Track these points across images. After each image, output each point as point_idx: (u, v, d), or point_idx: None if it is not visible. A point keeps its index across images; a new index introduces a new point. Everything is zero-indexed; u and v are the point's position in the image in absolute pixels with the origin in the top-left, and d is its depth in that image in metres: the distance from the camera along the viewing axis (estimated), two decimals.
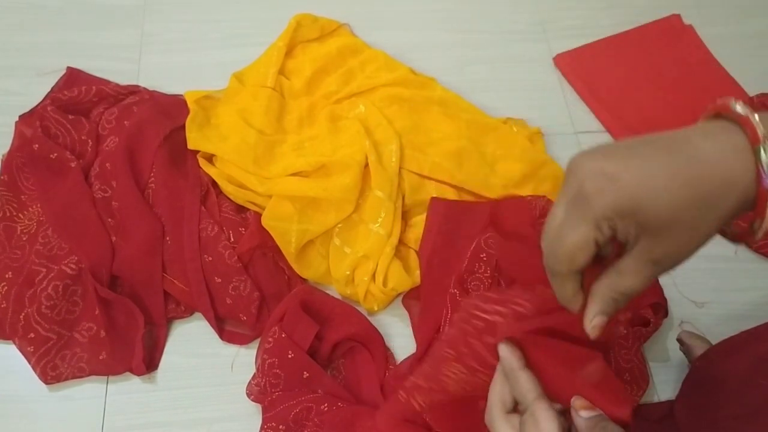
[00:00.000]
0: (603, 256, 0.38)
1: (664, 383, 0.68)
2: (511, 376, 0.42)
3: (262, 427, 0.62)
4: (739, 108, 0.35)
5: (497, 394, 0.43)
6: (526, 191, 0.77)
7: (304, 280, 0.72)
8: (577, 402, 0.41)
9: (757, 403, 0.52)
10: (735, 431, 0.53)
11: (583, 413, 0.40)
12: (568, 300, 0.39)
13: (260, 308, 0.68)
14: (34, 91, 0.80)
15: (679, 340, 0.68)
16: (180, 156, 0.75)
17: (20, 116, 0.78)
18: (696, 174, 0.34)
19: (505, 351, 0.42)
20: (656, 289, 0.70)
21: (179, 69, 0.87)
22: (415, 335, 0.69)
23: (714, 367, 0.58)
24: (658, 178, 0.34)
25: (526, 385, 0.41)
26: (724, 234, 0.38)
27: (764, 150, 0.33)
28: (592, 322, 0.38)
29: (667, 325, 0.71)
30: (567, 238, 0.36)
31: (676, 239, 0.35)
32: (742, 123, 0.34)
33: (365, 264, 0.70)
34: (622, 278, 0.37)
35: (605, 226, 0.35)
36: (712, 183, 0.34)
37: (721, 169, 0.34)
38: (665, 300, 0.69)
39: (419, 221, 0.73)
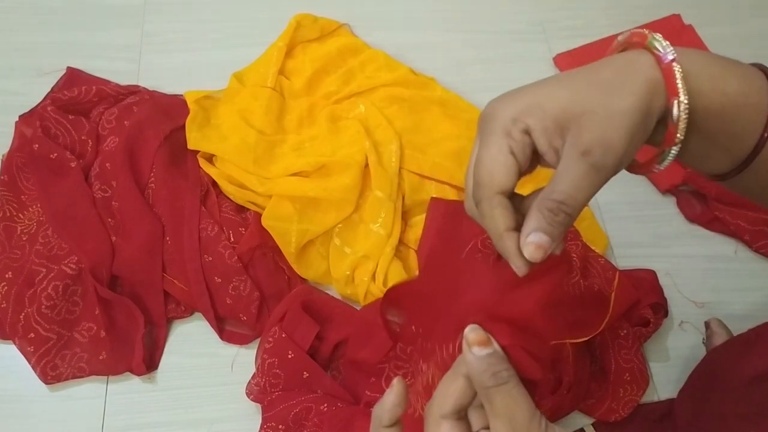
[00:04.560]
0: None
1: (664, 383, 0.68)
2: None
3: (261, 427, 0.62)
4: (620, 37, 0.38)
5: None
6: (526, 191, 0.76)
7: (304, 280, 0.72)
8: (471, 335, 0.35)
9: (763, 403, 0.51)
10: (737, 429, 0.53)
11: (476, 350, 0.34)
12: (500, 236, 0.35)
13: (260, 308, 0.68)
14: (34, 91, 0.80)
15: (706, 324, 0.68)
16: (180, 156, 0.75)
17: (20, 116, 0.78)
18: (594, 67, 0.36)
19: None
20: (656, 289, 0.70)
21: (179, 69, 0.87)
22: None
23: (725, 362, 0.58)
24: (558, 78, 0.36)
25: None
26: (653, 142, 0.37)
27: (655, 39, 0.35)
28: (528, 239, 0.33)
29: (667, 325, 0.71)
30: (482, 157, 0.35)
31: (595, 123, 0.33)
32: (628, 39, 0.37)
33: (365, 264, 0.70)
34: (557, 182, 0.33)
35: (515, 130, 0.35)
36: (611, 68, 0.35)
37: (619, 59, 0.35)
38: (665, 300, 0.69)
39: (419, 221, 0.73)
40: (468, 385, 0.35)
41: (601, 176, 0.33)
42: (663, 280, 0.71)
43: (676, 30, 0.96)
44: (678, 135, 0.35)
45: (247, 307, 0.67)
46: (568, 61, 0.92)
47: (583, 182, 0.33)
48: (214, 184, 0.74)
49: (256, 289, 0.68)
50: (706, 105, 0.35)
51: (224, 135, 0.75)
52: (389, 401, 0.36)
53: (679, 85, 0.34)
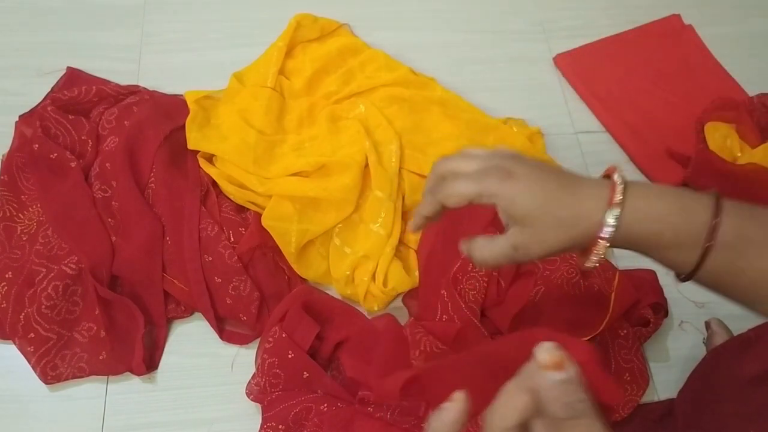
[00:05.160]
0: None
1: (664, 383, 0.68)
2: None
3: (261, 427, 0.62)
4: (616, 176, 0.43)
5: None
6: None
7: (304, 280, 0.72)
8: (544, 356, 0.32)
9: (763, 403, 0.51)
10: (737, 429, 0.53)
11: (550, 375, 0.31)
12: (421, 208, 0.47)
13: (260, 308, 0.68)
14: (34, 91, 0.80)
15: (706, 323, 0.69)
16: (180, 156, 0.75)
17: (20, 116, 0.78)
18: (567, 203, 0.43)
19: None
20: (656, 289, 0.70)
21: (179, 69, 0.87)
22: None
23: (725, 362, 0.58)
24: (543, 183, 0.43)
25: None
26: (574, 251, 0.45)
27: (611, 213, 0.41)
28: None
29: (667, 325, 0.71)
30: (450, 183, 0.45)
31: (533, 234, 0.43)
32: (610, 187, 0.42)
33: (365, 264, 0.70)
34: (487, 243, 0.45)
35: (486, 195, 0.44)
36: (573, 213, 0.42)
37: (582, 207, 0.42)
38: (665, 300, 0.69)
39: None
40: (534, 400, 0.32)
41: (515, 259, 0.44)
42: (663, 280, 0.71)
43: (676, 30, 0.96)
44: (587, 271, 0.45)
45: (247, 307, 0.67)
46: (568, 61, 0.92)
47: (501, 258, 0.45)
48: (214, 184, 0.74)
49: (256, 289, 0.68)
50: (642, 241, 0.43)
51: (224, 135, 0.75)
52: (449, 417, 0.33)
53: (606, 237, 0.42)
